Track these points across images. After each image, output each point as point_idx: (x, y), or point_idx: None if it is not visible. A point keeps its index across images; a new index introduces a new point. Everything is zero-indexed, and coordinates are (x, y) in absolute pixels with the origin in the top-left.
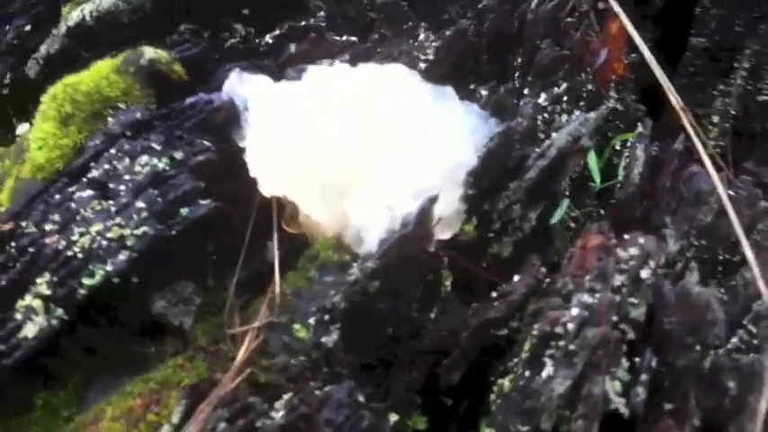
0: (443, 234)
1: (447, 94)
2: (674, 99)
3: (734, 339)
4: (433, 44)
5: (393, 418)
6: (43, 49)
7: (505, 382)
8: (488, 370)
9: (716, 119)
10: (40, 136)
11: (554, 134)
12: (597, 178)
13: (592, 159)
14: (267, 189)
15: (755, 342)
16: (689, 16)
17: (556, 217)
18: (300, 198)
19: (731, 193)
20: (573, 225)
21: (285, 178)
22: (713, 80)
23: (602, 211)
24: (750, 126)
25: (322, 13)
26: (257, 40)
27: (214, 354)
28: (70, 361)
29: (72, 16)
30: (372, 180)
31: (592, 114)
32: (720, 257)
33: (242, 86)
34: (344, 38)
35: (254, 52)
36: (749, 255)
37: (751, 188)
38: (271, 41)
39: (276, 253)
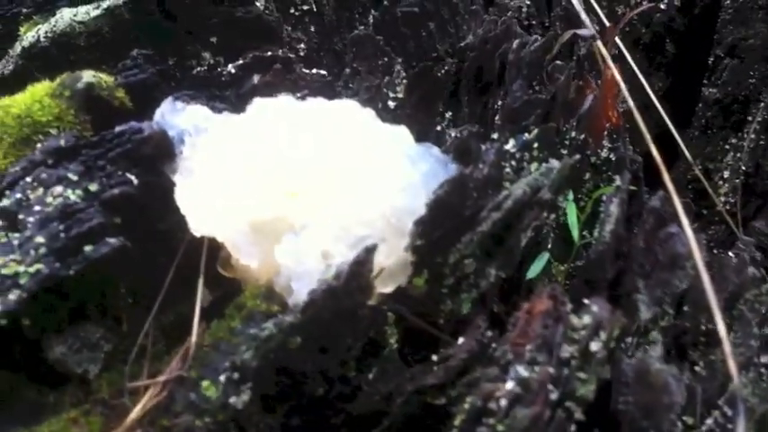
0: (385, 287)
1: (401, 134)
2: (685, 152)
3: (708, 421)
4: (404, 81)
5: None
6: None
7: None
8: None
9: (727, 174)
10: None
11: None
12: (576, 234)
13: (572, 213)
14: (196, 228)
15: (730, 427)
16: (702, 66)
17: (533, 272)
18: (229, 239)
19: (731, 253)
20: (560, 281)
21: (214, 216)
22: (725, 133)
23: None
24: (761, 184)
25: (302, 45)
26: (219, 70)
27: (115, 408)
28: None
29: (27, 37)
30: (308, 224)
31: (555, 164)
32: (703, 328)
33: (174, 116)
34: (315, 71)
35: (215, 82)
36: (721, 329)
37: (752, 252)
38: (233, 71)
39: (199, 298)
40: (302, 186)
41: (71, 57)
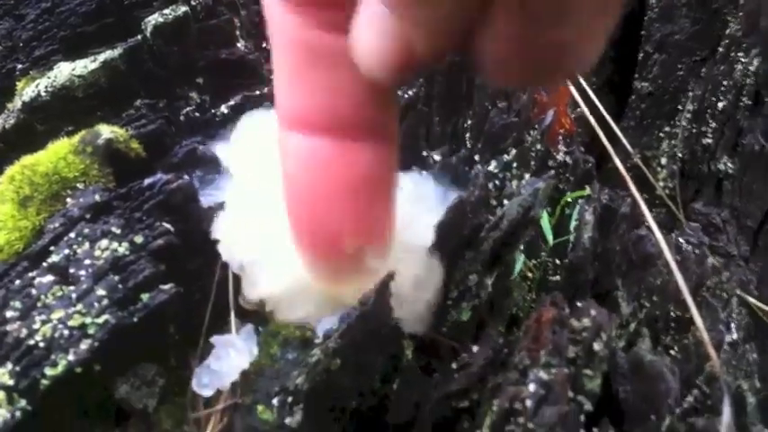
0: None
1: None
2: (624, 141)
3: (689, 399)
4: None
5: None
6: None
7: None
8: None
9: (664, 161)
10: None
11: (506, 203)
12: (550, 238)
13: (544, 220)
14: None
15: (709, 403)
16: (633, 61)
17: (512, 273)
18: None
19: (685, 246)
20: (530, 275)
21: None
22: (659, 123)
23: (557, 261)
24: (697, 168)
25: None
26: (213, 111)
27: None
28: None
29: (27, 91)
30: None
31: (541, 184)
32: (672, 315)
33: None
34: None
35: (210, 123)
36: (697, 319)
37: (700, 237)
38: (226, 111)
39: (233, 329)
40: None
41: (70, 107)
